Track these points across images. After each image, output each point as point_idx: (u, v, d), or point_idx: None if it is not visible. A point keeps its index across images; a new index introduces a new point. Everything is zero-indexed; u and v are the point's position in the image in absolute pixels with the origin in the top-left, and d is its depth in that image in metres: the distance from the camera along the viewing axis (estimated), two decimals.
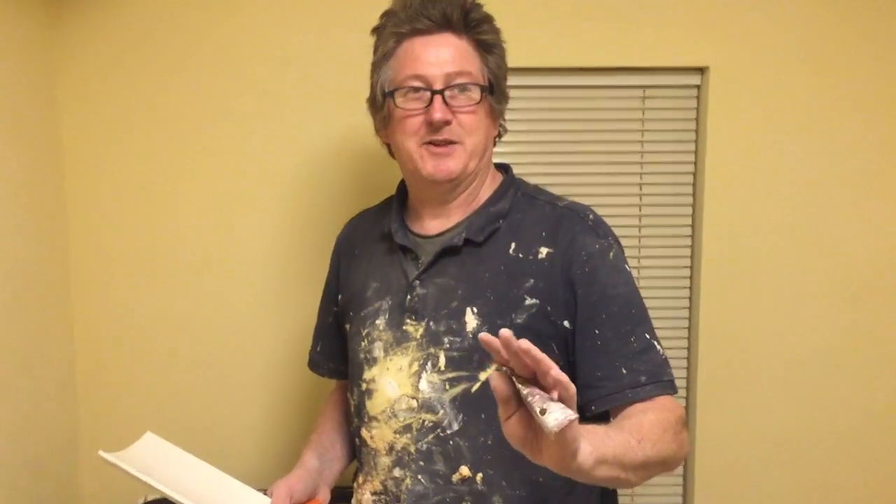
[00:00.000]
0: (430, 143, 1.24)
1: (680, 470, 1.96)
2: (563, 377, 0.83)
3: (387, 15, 1.29)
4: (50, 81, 1.75)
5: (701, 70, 1.84)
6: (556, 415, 0.80)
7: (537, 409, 0.81)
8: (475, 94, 1.24)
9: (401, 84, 1.25)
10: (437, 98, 1.22)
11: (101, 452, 1.20)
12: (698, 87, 1.86)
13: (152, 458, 1.26)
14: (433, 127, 1.23)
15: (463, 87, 1.24)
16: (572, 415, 0.81)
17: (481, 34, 1.27)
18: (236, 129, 1.81)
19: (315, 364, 1.53)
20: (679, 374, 1.90)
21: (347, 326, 1.39)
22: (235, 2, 1.77)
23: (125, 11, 1.76)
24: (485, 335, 0.88)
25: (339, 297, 1.44)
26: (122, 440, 1.31)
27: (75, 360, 1.85)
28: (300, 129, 1.81)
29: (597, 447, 0.92)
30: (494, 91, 1.28)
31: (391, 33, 1.26)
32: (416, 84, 1.23)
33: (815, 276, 1.87)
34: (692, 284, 1.92)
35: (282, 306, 1.85)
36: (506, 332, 0.85)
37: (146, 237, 1.83)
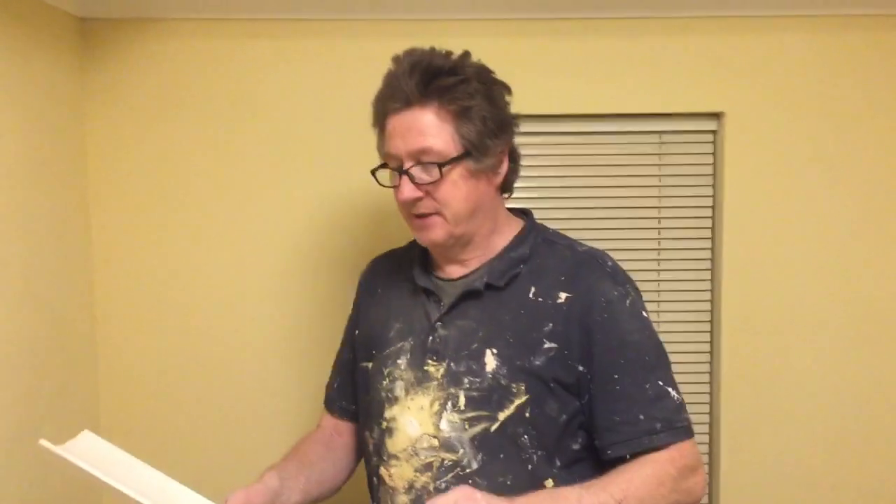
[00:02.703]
0: (414, 216, 1.30)
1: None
2: None
3: (381, 83, 1.32)
4: (78, 127, 1.82)
5: (717, 115, 1.87)
6: None
7: None
8: (434, 172, 1.25)
9: (383, 160, 1.31)
10: (404, 178, 1.26)
11: (42, 441, 1.14)
12: (714, 132, 1.89)
13: (93, 455, 1.20)
14: (403, 203, 1.28)
15: (425, 165, 1.25)
16: None
17: (450, 102, 1.24)
18: (253, 171, 1.86)
19: (330, 401, 1.53)
20: (701, 419, 1.91)
21: (367, 365, 1.40)
22: (253, 56, 1.84)
23: (149, 59, 1.83)
24: None
25: (357, 332, 1.47)
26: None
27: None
28: (314, 168, 1.86)
29: None
30: (473, 154, 1.27)
31: (379, 112, 1.31)
32: (392, 163, 1.29)
33: (836, 317, 1.88)
34: (713, 328, 1.93)
35: (299, 340, 1.89)
36: None
37: (167, 273, 1.88)
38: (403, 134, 1.25)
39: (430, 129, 1.24)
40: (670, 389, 1.24)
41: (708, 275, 1.92)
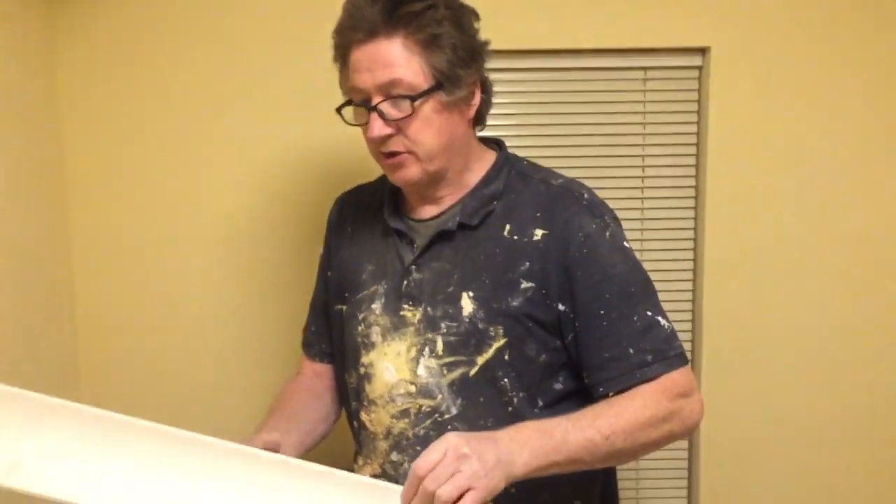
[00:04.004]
0: (383, 154, 1.24)
1: (686, 448, 1.97)
2: None
3: (341, 16, 1.24)
4: (50, 79, 1.76)
5: (702, 51, 1.83)
6: None
7: None
8: (405, 106, 1.19)
9: (347, 97, 1.25)
10: (373, 115, 1.19)
11: None
12: (700, 68, 1.85)
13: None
14: (373, 142, 1.22)
15: (395, 100, 1.19)
16: None
17: (417, 30, 1.17)
18: (228, 121, 1.81)
19: (308, 345, 1.51)
20: None
21: (341, 307, 1.38)
22: (230, 4, 1.78)
23: (121, 7, 1.77)
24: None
25: (329, 273, 1.44)
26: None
27: (77, 349, 1.87)
28: (290, 120, 1.81)
29: (539, 457, 1.07)
30: (445, 86, 1.21)
31: (338, 46, 1.24)
32: (357, 97, 1.22)
33: (819, 257, 1.87)
34: (696, 265, 1.92)
35: (274, 294, 1.87)
36: None
37: (143, 226, 1.84)
38: (370, 66, 1.18)
39: (398, 59, 1.17)
40: (659, 318, 1.21)
41: (692, 212, 1.90)
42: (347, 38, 1.21)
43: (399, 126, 1.20)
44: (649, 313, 1.21)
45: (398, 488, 1.06)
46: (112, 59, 1.78)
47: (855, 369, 1.90)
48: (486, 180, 1.30)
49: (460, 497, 1.00)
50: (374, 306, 1.31)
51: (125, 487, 1.06)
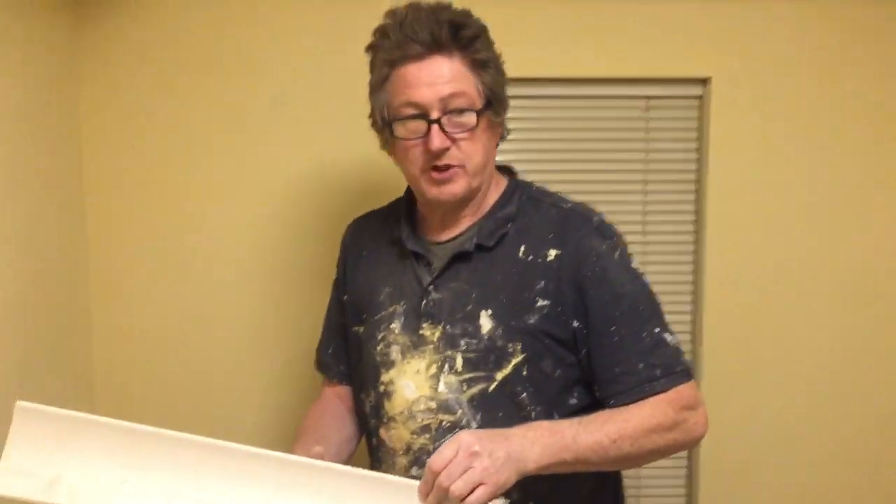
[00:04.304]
0: (433, 168, 1.27)
1: (685, 457, 2.02)
2: None
3: (379, 36, 1.29)
4: (73, 96, 1.81)
5: (703, 81, 1.89)
6: None
7: None
8: (471, 118, 1.25)
9: (398, 112, 1.27)
10: (434, 127, 1.23)
11: None
12: (700, 97, 1.91)
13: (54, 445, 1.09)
14: (432, 155, 1.25)
15: (459, 112, 1.24)
16: None
17: (474, 52, 1.26)
18: (248, 134, 1.86)
19: (325, 366, 1.54)
20: None
21: (358, 329, 1.42)
22: (250, 13, 1.83)
23: (145, 19, 1.82)
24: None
25: (345, 297, 1.47)
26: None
27: (93, 357, 1.89)
28: (309, 134, 1.86)
29: (549, 455, 1.14)
30: (493, 106, 1.29)
31: (383, 60, 1.27)
32: (412, 112, 1.25)
33: (816, 279, 1.92)
34: (695, 289, 1.97)
35: (289, 306, 1.91)
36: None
37: (161, 236, 1.88)
38: (431, 81, 1.23)
39: (459, 76, 1.24)
40: (666, 335, 1.26)
41: (692, 237, 1.96)
42: (398, 55, 1.24)
43: (455, 139, 1.24)
44: (657, 330, 1.27)
45: (415, 484, 1.12)
46: (134, 78, 1.83)
47: (853, 385, 1.95)
48: (501, 204, 1.35)
49: (472, 491, 1.08)
50: (392, 326, 1.35)
51: (162, 497, 1.09)
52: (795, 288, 1.93)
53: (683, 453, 2.00)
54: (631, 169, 1.93)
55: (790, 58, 1.86)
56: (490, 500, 1.09)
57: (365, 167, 1.84)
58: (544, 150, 1.92)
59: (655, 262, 1.95)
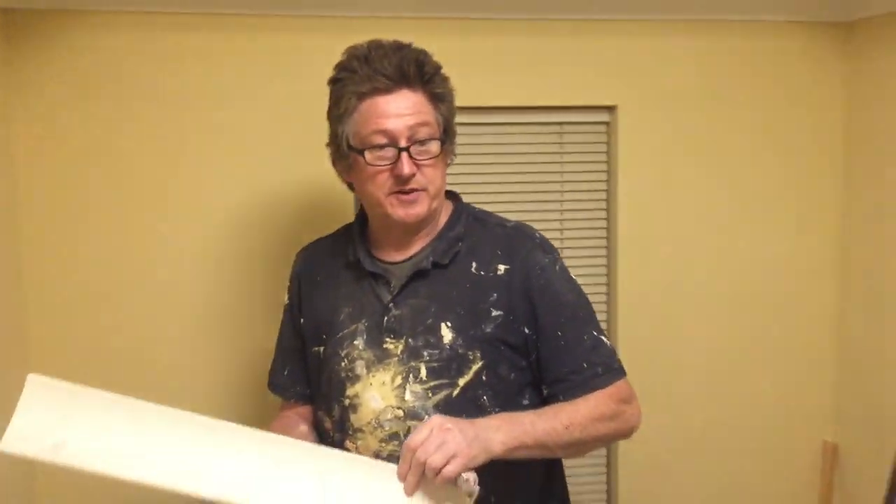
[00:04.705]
0: (399, 192, 1.38)
1: (604, 454, 2.21)
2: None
3: (344, 70, 1.40)
4: (4, 120, 1.79)
5: (610, 108, 2.09)
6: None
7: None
8: (436, 146, 1.38)
9: (367, 141, 1.37)
10: (404, 155, 1.35)
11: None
12: (608, 123, 2.10)
13: (62, 416, 1.19)
14: (401, 179, 1.37)
15: (424, 142, 1.37)
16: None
17: (434, 87, 1.39)
18: (184, 162, 1.91)
19: (281, 388, 1.60)
20: None
21: (318, 349, 1.50)
22: (189, 44, 1.88)
23: (83, 50, 1.84)
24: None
25: (302, 321, 1.55)
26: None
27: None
28: (252, 163, 1.93)
29: (512, 438, 1.25)
30: (448, 134, 1.43)
31: (352, 92, 1.38)
32: (383, 140, 1.36)
33: (711, 284, 2.16)
34: (609, 296, 2.16)
35: (232, 330, 1.97)
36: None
37: (100, 268, 1.90)
38: (399, 112, 1.34)
39: (422, 108, 1.37)
40: (603, 338, 1.41)
41: (605, 252, 2.15)
42: (368, 87, 1.35)
43: (420, 165, 1.36)
44: (595, 333, 1.42)
45: (394, 466, 1.23)
46: (66, 115, 1.85)
47: (743, 379, 2.19)
48: (450, 225, 1.47)
49: (447, 464, 1.17)
50: (356, 342, 1.43)
51: (157, 464, 1.19)
52: (694, 292, 2.15)
53: (603, 449, 2.18)
54: (548, 189, 2.11)
55: (684, 87, 2.08)
56: (463, 471, 1.19)
57: (306, 195, 1.92)
58: (470, 174, 2.05)
59: (573, 272, 2.09)
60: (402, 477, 1.21)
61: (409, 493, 1.21)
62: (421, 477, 1.20)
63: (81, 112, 1.85)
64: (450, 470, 1.18)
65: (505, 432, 1.25)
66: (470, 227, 1.47)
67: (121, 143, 1.87)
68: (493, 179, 2.07)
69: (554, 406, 1.35)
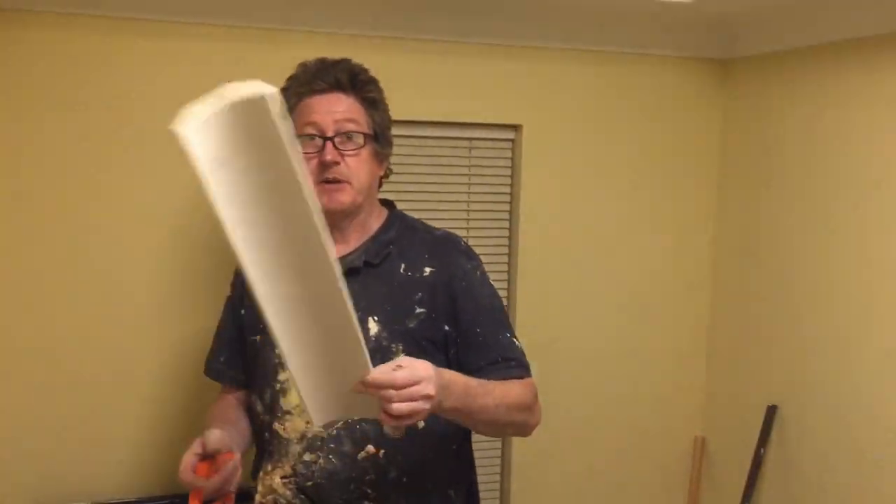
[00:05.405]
0: (324, 181, 1.52)
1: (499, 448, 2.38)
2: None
3: (292, 78, 1.57)
4: None
5: (515, 127, 2.27)
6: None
7: None
8: (359, 139, 1.53)
9: (301, 131, 1.51)
10: (328, 143, 1.50)
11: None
12: (513, 140, 2.29)
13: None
14: (325, 167, 1.50)
15: (349, 135, 1.52)
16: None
17: (366, 93, 1.56)
18: (118, 164, 1.96)
19: (217, 372, 1.69)
20: None
21: (255, 338, 1.60)
22: (123, 48, 1.93)
23: (8, 54, 1.86)
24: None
25: (243, 312, 1.65)
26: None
27: None
28: (178, 170, 1.96)
29: (462, 405, 1.34)
30: (379, 139, 1.58)
31: (293, 93, 1.54)
32: (311, 132, 1.51)
33: (600, 292, 2.37)
34: (509, 299, 2.33)
35: (168, 317, 2.04)
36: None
37: (36, 264, 1.93)
38: (330, 109, 1.51)
39: (352, 109, 1.53)
40: (514, 339, 1.58)
41: (506, 258, 2.33)
42: (306, 89, 1.52)
43: (344, 157, 1.50)
44: (508, 333, 1.58)
45: (369, 364, 1.23)
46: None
47: (626, 378, 2.42)
48: (384, 229, 1.61)
49: (404, 417, 1.23)
50: None
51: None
52: (584, 298, 2.36)
53: (498, 442, 2.35)
54: (457, 200, 2.27)
55: (581, 111, 2.29)
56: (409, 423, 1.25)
57: None
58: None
59: None
60: (368, 388, 1.22)
61: (356, 390, 1.23)
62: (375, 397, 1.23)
63: (13, 114, 1.88)
64: (402, 422, 1.24)
65: (456, 398, 1.32)
66: (402, 232, 1.62)
67: (51, 145, 1.91)
68: (406, 188, 2.20)
69: (490, 381, 1.45)
